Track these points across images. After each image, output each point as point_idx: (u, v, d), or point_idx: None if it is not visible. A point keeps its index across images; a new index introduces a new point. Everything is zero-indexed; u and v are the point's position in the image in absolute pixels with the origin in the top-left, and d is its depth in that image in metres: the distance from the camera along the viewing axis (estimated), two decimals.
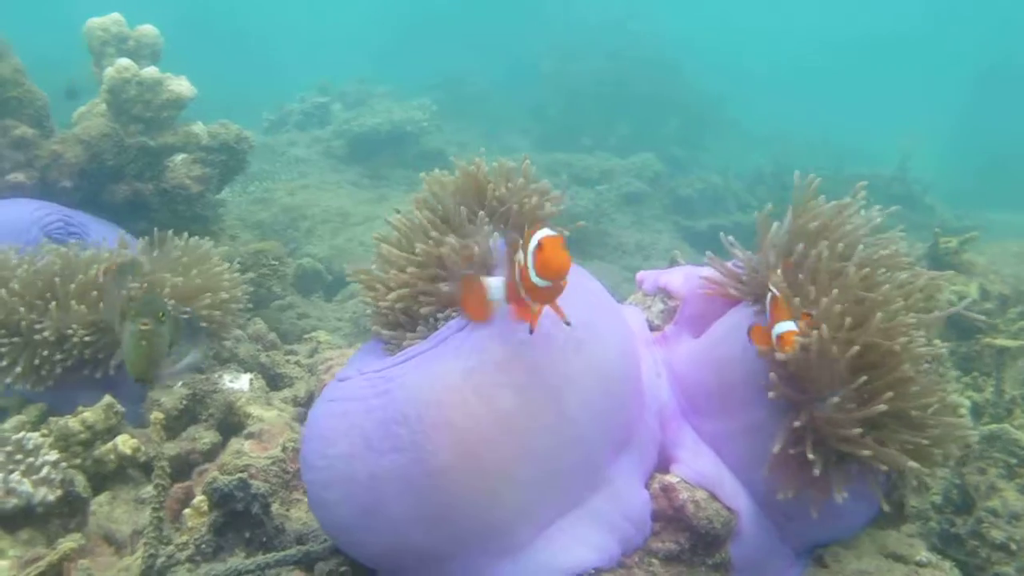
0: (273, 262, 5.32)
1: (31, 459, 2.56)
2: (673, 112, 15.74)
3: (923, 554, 2.35)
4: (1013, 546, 2.78)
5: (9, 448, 2.56)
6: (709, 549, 2.16)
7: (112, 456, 3.03)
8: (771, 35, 29.18)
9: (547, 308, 1.87)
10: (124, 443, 3.07)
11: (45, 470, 2.57)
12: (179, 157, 4.99)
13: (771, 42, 28.47)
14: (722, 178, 11.57)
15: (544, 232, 1.74)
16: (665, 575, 2.12)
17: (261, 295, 5.34)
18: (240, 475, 2.58)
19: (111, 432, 3.11)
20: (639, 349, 2.31)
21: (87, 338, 3.27)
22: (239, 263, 5.27)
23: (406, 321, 2.25)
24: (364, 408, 2.03)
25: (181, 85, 4.60)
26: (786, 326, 1.95)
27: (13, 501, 2.49)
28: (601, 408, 2.05)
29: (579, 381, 2.02)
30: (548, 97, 16.64)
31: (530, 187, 2.33)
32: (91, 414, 3.09)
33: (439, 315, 2.20)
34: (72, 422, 3.04)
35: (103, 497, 2.98)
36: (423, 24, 22.82)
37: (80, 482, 2.71)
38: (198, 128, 4.77)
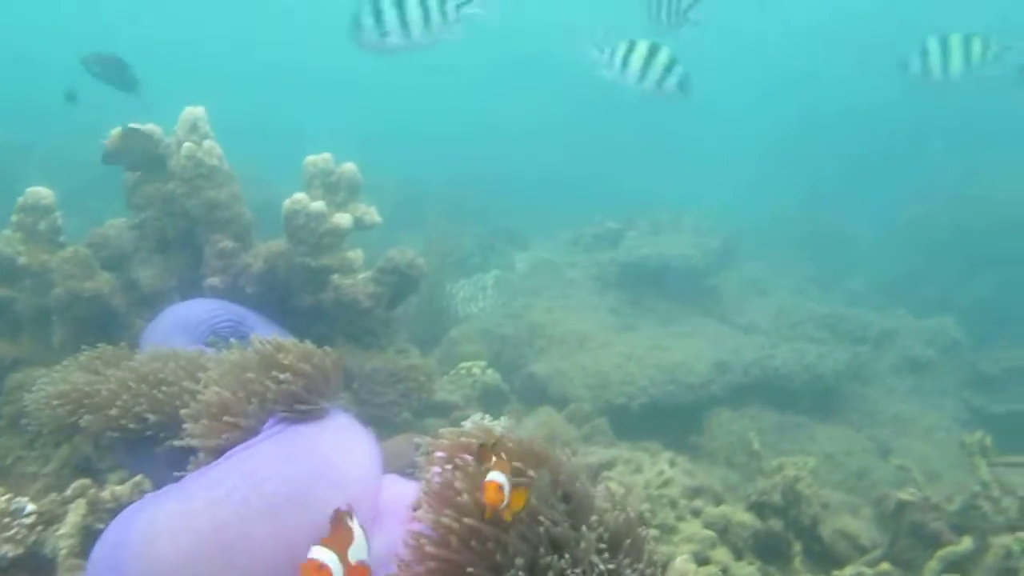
0: (421, 378, 5.85)
1: (7, 519, 3.25)
2: None
3: None
4: None
5: None
6: None
7: None
8: None
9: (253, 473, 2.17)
10: None
11: (14, 530, 3.25)
12: (361, 275, 5.79)
13: None
14: None
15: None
16: None
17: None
18: None
19: None
20: (381, 524, 2.41)
21: None
22: (390, 374, 5.94)
23: None
24: (114, 529, 2.40)
25: (341, 218, 5.36)
26: None
27: None
28: (277, 568, 2.21)
29: (261, 543, 2.21)
30: (897, 242, 15.49)
31: None
32: (120, 488, 3.79)
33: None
34: (103, 493, 3.74)
35: None
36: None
37: (51, 544, 3.33)
38: (352, 254, 5.50)
